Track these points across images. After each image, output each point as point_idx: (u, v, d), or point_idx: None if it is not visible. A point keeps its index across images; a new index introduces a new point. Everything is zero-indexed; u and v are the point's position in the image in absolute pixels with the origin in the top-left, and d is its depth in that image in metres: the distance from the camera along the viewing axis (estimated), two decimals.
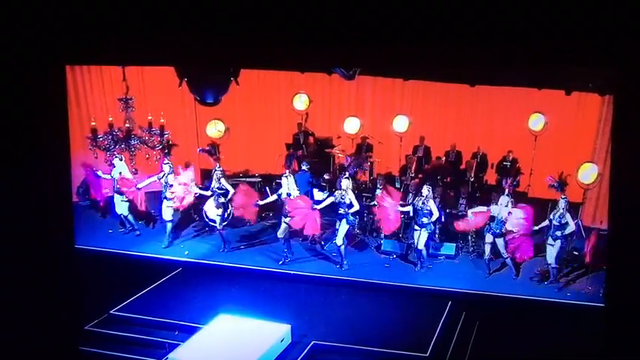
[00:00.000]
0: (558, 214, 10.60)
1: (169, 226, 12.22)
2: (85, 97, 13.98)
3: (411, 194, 11.90)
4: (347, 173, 11.62)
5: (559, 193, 10.74)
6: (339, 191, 11.18)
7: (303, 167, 12.43)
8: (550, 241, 10.69)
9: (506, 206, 10.78)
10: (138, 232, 12.67)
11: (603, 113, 12.66)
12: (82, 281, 6.34)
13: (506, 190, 11.02)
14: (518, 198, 12.06)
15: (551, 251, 10.67)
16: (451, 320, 9.82)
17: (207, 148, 12.41)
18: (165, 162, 11.88)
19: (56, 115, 5.53)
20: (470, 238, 11.96)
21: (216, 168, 11.90)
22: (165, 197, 12.00)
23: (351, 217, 11.31)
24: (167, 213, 12.13)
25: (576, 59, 5.68)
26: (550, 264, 10.73)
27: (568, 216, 10.59)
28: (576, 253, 11.43)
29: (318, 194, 12.07)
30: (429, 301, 10.42)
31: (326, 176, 12.57)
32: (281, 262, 11.55)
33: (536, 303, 10.28)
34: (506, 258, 10.97)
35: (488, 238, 11.00)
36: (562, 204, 10.60)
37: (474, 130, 14.56)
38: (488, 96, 14.05)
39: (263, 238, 12.62)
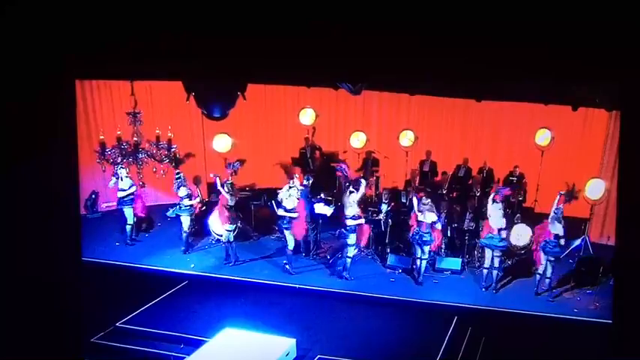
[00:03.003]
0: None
1: (184, 235, 12.42)
2: (94, 111, 14.12)
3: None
4: (352, 187, 11.65)
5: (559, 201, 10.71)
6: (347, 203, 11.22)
7: (305, 182, 12.42)
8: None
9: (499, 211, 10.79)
10: (129, 242, 12.77)
11: (610, 129, 12.65)
12: (88, 293, 6.33)
13: (498, 199, 11.07)
14: (525, 214, 12.10)
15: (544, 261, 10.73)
16: (457, 335, 9.78)
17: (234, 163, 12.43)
18: (177, 172, 12.00)
19: (65, 129, 5.55)
20: (476, 253, 11.93)
21: (227, 181, 11.96)
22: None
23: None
24: (185, 223, 12.34)
25: (582, 73, 5.69)
26: (540, 274, 10.76)
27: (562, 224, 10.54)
28: (583, 269, 11.39)
29: (323, 208, 12.06)
30: (435, 315, 10.39)
31: (323, 195, 12.53)
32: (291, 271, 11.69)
33: (542, 319, 10.24)
34: (493, 269, 11.00)
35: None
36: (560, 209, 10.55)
37: (481, 145, 14.58)
38: (495, 111, 14.08)
39: (269, 251, 12.65)
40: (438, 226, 11.16)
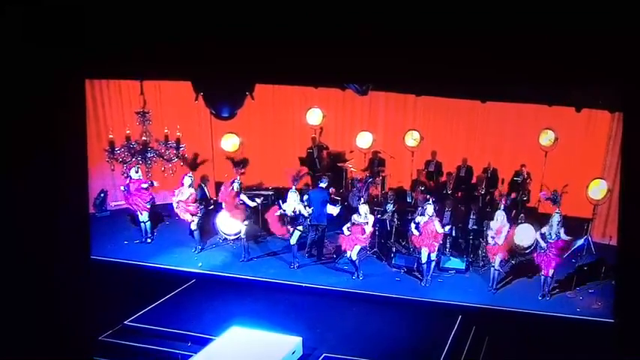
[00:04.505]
0: (553, 230, 10.51)
1: (196, 234, 12.53)
2: (104, 110, 14.22)
3: (420, 208, 11.98)
4: (362, 199, 11.74)
5: (554, 207, 10.74)
6: (358, 216, 11.25)
7: (321, 185, 12.40)
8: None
9: (501, 220, 10.85)
10: (149, 240, 12.93)
11: (613, 130, 12.71)
12: (96, 292, 6.42)
13: (502, 206, 11.09)
14: (529, 213, 12.13)
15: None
16: (461, 334, 9.86)
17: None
18: (188, 174, 12.09)
19: (75, 128, 5.64)
20: (480, 252, 11.98)
21: (236, 180, 12.10)
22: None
23: None
24: (192, 223, 12.43)
25: (584, 77, 5.75)
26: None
27: (562, 231, 10.56)
28: (586, 268, 11.43)
29: (330, 208, 12.11)
30: (440, 315, 10.47)
31: (332, 191, 12.54)
32: (295, 267, 11.91)
33: (545, 318, 10.30)
34: (495, 269, 11.07)
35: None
36: (556, 219, 10.54)
37: (485, 146, 14.62)
38: (499, 112, 14.12)
39: (276, 250, 12.73)
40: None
